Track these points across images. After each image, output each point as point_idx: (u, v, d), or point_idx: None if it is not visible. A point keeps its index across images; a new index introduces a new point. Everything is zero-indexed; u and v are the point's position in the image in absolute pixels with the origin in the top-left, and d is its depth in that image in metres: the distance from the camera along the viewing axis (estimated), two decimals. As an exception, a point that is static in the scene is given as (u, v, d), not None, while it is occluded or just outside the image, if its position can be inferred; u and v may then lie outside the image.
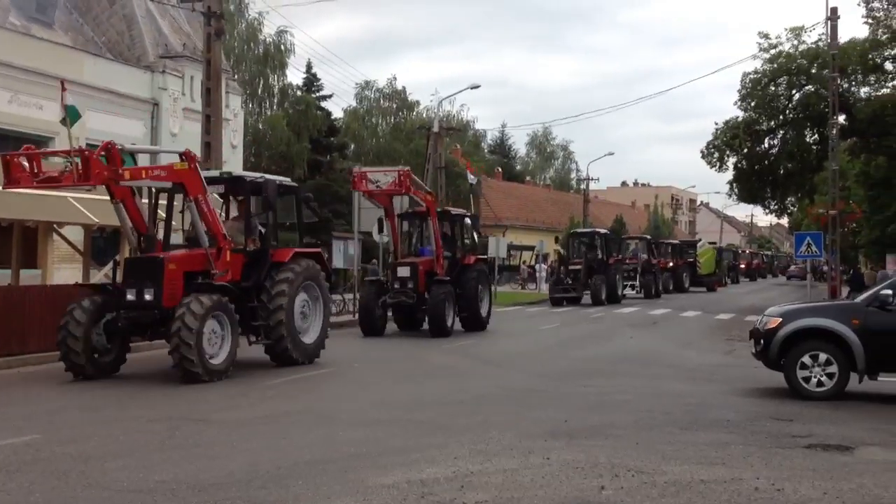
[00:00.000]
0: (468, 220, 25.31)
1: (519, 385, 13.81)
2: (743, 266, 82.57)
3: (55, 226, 19.90)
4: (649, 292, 44.32)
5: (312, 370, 15.25)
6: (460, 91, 46.24)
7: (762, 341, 12.86)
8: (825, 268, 53.19)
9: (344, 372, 15.46)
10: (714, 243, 76.06)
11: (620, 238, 52.80)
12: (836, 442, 9.46)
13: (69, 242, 20.74)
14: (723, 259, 67.21)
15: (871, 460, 8.71)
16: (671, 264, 53.24)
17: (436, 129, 40.72)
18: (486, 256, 26.68)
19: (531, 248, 56.67)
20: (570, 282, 37.38)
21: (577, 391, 13.12)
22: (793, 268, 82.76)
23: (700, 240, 65.38)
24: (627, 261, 45.02)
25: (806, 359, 12.36)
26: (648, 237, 54.09)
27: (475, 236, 26.06)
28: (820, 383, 12.31)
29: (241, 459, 8.33)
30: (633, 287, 43.75)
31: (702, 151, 38.21)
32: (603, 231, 42.23)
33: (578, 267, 37.87)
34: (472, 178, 44.92)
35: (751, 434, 9.84)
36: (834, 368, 12.25)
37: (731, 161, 38.04)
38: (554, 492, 7.28)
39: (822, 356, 12.30)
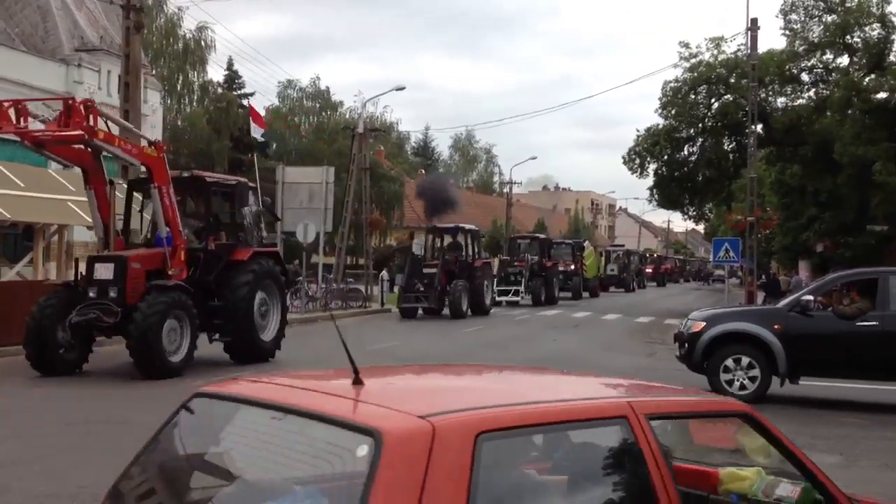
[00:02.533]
0: (246, 194, 16.70)
1: (446, 388, 13.68)
2: (650, 270, 78.67)
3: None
4: (538, 299, 38.28)
5: (234, 370, 14.88)
6: (386, 92, 46.25)
7: (686, 344, 13.02)
8: (739, 273, 54.56)
9: (260, 371, 15.12)
10: (622, 245, 74.04)
11: (517, 238, 47.15)
12: (761, 445, 9.56)
13: (-21, 239, 20.02)
14: (630, 263, 65.09)
15: (796, 463, 8.81)
16: (573, 266, 48.04)
17: (361, 129, 40.40)
18: (275, 249, 17.98)
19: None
20: (422, 288, 29.93)
21: (504, 394, 13.04)
22: (717, 272, 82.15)
23: (585, 241, 58.91)
24: (515, 263, 39.99)
25: (729, 362, 12.56)
26: (542, 236, 47.53)
27: (261, 219, 17.81)
28: (742, 386, 12.50)
29: (163, 464, 8.03)
30: (517, 293, 38.25)
31: (623, 157, 38.79)
32: (468, 227, 34.29)
33: (433, 270, 30.44)
34: (258, 132, 31.84)
35: (678, 437, 9.89)
36: (756, 372, 12.46)
37: (652, 167, 38.68)
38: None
39: (745, 360, 12.50)
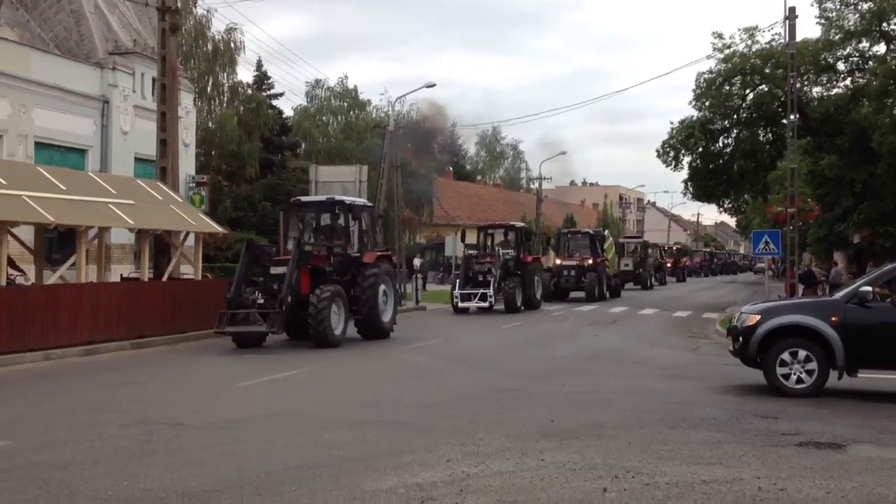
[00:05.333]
0: None
1: (496, 385, 13.60)
2: (669, 264, 70.69)
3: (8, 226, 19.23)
4: (512, 303, 30.61)
5: (283, 371, 14.87)
6: (416, 89, 45.88)
7: (741, 338, 12.82)
8: (771, 266, 53.87)
9: (316, 372, 15.13)
10: (639, 237, 68.70)
11: (487, 228, 35.95)
12: (827, 440, 9.40)
13: (21, 242, 20.06)
14: (647, 257, 57.75)
15: (866, 458, 8.65)
16: (590, 261, 39.85)
17: (391, 127, 40.40)
18: None
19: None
20: (260, 301, 18.90)
21: (555, 390, 12.95)
22: (759, 265, 77.72)
23: (604, 229, 50.64)
24: (486, 259, 32.08)
25: (785, 356, 12.33)
26: (519, 224, 37.80)
27: None
28: (800, 380, 12.29)
29: (227, 465, 8.00)
30: (485, 297, 30.28)
31: (657, 151, 38.45)
32: (352, 200, 22.27)
33: (281, 270, 18.97)
34: None
35: (740, 432, 9.75)
36: (813, 365, 12.23)
37: (687, 160, 38.31)
38: (556, 494, 7.10)
39: (802, 353, 12.27)
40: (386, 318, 20.95)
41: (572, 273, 39.20)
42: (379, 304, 20.48)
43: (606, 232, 49.02)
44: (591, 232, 44.36)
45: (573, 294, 39.57)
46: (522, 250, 33.99)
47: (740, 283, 66.78)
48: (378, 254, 21.49)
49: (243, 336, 18.66)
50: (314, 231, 21.87)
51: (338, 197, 22.40)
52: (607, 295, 40.69)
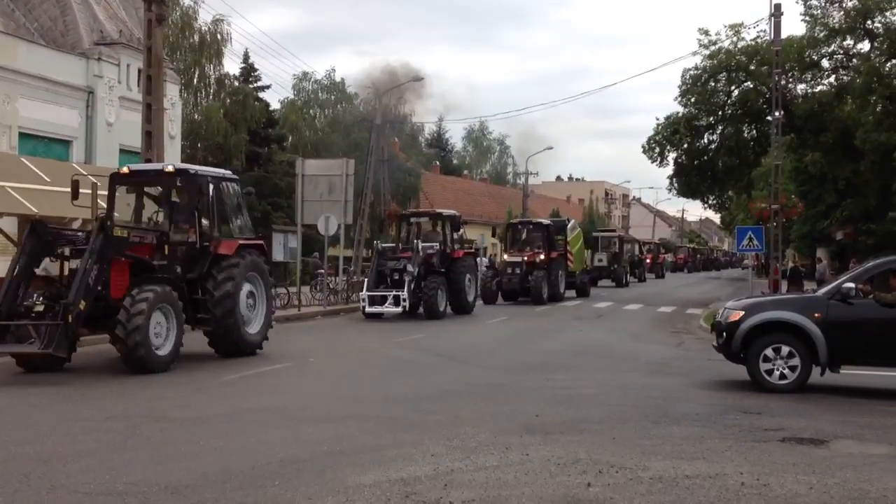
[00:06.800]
0: None
1: (482, 380, 13.62)
2: (648, 260, 67.75)
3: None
4: (433, 308, 25.57)
5: (267, 365, 14.84)
6: (403, 83, 45.08)
7: (724, 334, 12.88)
8: (754, 262, 54.07)
9: (301, 367, 15.11)
10: (614, 230, 66.75)
11: (409, 215, 30.45)
12: (809, 435, 9.45)
13: (4, 234, 19.93)
14: (623, 252, 54.54)
15: (848, 454, 8.70)
16: (542, 256, 33.97)
17: (378, 121, 40.33)
18: None
19: (471, 242, 56.19)
20: (39, 308, 13.32)
21: (541, 385, 12.98)
22: (746, 262, 77.14)
23: (569, 220, 44.46)
24: (402, 255, 26.84)
25: (769, 351, 12.40)
26: (449, 212, 30.16)
27: None
28: (782, 376, 12.36)
29: (211, 459, 7.99)
30: (398, 301, 24.99)
31: (643, 146, 38.51)
32: (216, 172, 16.72)
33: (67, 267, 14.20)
34: None
35: (723, 428, 9.79)
36: (796, 361, 12.30)
37: (672, 156, 38.42)
38: (540, 489, 7.11)
39: (785, 349, 12.34)
40: (252, 329, 15.86)
41: (517, 271, 33.08)
42: (239, 311, 15.28)
43: (573, 222, 43.01)
44: (547, 222, 37.82)
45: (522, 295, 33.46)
46: (452, 244, 28.38)
47: (724, 280, 66.98)
48: (242, 242, 15.90)
49: (26, 358, 13.45)
50: (156, 212, 16.47)
51: (181, 165, 17.50)
52: (564, 294, 35.45)
